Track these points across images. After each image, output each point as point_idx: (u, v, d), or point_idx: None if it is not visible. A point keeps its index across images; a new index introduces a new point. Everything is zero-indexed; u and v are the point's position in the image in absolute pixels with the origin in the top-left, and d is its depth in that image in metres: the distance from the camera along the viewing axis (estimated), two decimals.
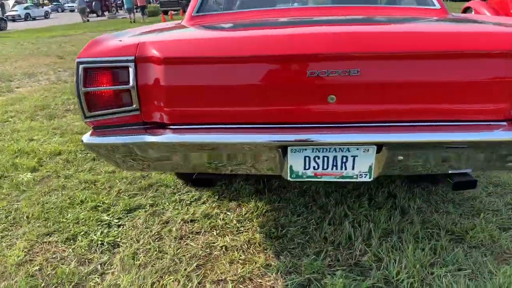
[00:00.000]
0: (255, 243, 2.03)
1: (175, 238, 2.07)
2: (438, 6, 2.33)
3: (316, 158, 1.62)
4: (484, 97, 1.53)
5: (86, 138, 1.65)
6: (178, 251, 1.98)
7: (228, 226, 2.18)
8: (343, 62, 1.50)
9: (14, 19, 33.49)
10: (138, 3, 23.08)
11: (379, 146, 1.58)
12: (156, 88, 1.57)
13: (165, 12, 27.09)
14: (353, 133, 1.54)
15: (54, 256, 1.98)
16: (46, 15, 35.83)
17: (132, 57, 1.57)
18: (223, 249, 1.99)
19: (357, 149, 1.59)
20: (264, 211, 2.32)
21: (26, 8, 34.90)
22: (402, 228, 2.12)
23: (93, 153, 1.90)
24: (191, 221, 2.23)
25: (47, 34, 16.82)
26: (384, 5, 2.61)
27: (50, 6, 46.64)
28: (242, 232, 2.13)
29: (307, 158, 1.62)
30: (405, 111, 1.55)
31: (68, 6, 46.70)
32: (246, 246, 2.01)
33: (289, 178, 1.66)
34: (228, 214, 2.29)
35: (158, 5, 29.55)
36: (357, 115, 1.56)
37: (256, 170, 1.71)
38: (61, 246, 2.04)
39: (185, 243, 2.05)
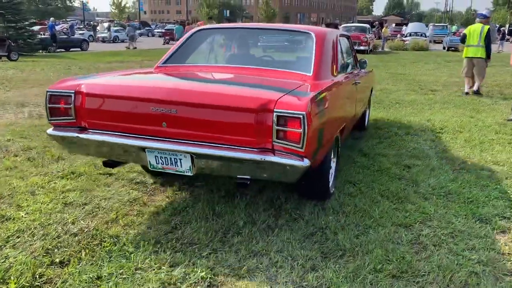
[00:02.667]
0: None
1: None
2: (310, 73, 3.38)
3: (161, 157, 2.74)
4: (244, 134, 2.58)
5: (49, 131, 2.97)
6: None
7: None
8: (167, 105, 2.63)
9: (103, 40, 36.44)
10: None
11: (193, 155, 2.66)
12: (82, 108, 2.87)
13: None
14: (172, 145, 2.67)
15: None
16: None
17: (73, 91, 2.88)
18: None
19: (181, 155, 2.69)
20: None
21: (116, 31, 37.77)
22: None
23: (54, 141, 3.20)
24: None
25: (112, 59, 17.72)
26: (269, 68, 3.76)
27: (142, 30, 50.26)
28: None
29: (156, 157, 2.75)
30: (205, 137, 2.63)
31: (157, 32, 49.92)
32: None
33: (150, 168, 2.82)
34: None
35: None
36: (179, 135, 2.68)
37: (134, 161, 3.02)
38: None
39: None
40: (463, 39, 9.20)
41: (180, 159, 2.71)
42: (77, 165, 4.15)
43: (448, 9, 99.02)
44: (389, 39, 29.75)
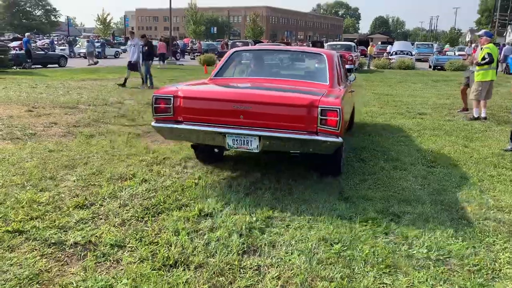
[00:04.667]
0: None
1: None
2: (327, 82, 4.69)
3: (237, 140, 3.89)
4: (296, 121, 3.80)
5: (153, 124, 4.14)
6: None
7: None
8: (244, 103, 3.84)
9: (86, 56, 35.45)
10: (159, 50, 24.33)
11: (260, 137, 3.83)
12: (178, 107, 4.03)
13: None
14: (247, 131, 3.83)
15: None
16: (116, 55, 37.66)
17: (172, 95, 4.04)
18: None
19: (251, 137, 3.85)
20: None
21: (97, 47, 36.82)
22: None
23: (156, 131, 4.30)
24: None
25: (86, 76, 16.83)
26: (297, 79, 5.06)
27: (127, 46, 49.48)
28: None
29: (233, 140, 3.90)
30: (269, 124, 3.81)
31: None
32: None
33: (227, 147, 3.97)
34: None
35: (215, 55, 29.64)
36: (251, 124, 3.84)
37: (215, 143, 4.12)
38: None
39: None
40: (492, 61, 8.43)
41: (251, 140, 3.87)
42: None
43: (433, 29, 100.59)
44: (375, 57, 29.42)
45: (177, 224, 3.31)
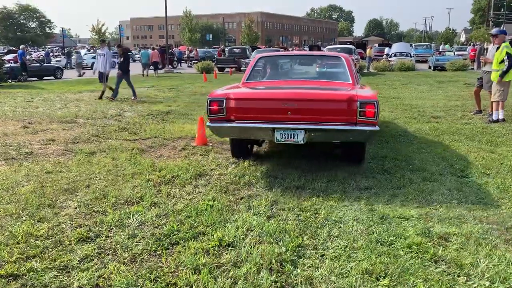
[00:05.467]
0: None
1: None
2: (350, 81, 5.29)
3: (285, 134, 4.44)
4: (337, 114, 4.43)
5: (208, 123, 4.70)
6: None
7: None
8: (291, 101, 4.47)
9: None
10: (151, 59, 24.26)
11: (306, 130, 4.39)
12: (230, 107, 4.62)
13: (220, 69, 27.13)
14: (294, 125, 4.42)
15: None
16: (113, 65, 37.15)
17: (224, 97, 4.64)
18: None
19: (298, 131, 4.40)
20: None
21: (93, 57, 36.42)
22: None
23: (211, 130, 4.78)
24: None
25: (83, 88, 16.44)
26: (322, 80, 5.79)
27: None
28: None
29: (281, 134, 4.44)
30: (314, 118, 4.43)
31: (138, 57, 48.85)
32: None
33: (275, 141, 4.51)
34: None
35: (213, 62, 29.34)
36: (298, 119, 4.44)
37: (265, 137, 4.96)
38: None
39: None
40: None
41: (297, 134, 4.41)
42: None
43: (427, 29, 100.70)
44: (374, 60, 29.08)
45: (196, 259, 2.88)
